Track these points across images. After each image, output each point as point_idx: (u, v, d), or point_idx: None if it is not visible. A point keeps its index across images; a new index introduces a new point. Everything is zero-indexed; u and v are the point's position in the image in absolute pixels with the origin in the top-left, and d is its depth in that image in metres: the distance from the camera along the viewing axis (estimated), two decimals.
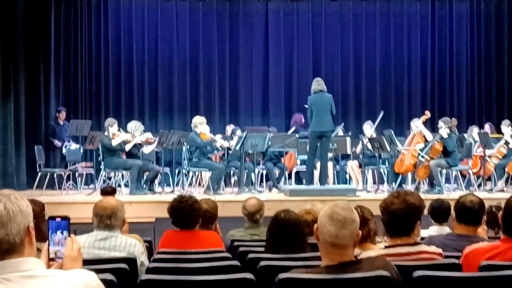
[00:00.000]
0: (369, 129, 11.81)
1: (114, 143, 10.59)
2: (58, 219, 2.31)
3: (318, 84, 10.55)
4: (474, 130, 12.11)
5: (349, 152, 11.83)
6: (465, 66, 14.48)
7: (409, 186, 11.15)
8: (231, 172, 11.78)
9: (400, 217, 3.44)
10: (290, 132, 12.30)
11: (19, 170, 12.05)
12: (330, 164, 11.78)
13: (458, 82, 14.47)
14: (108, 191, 7.47)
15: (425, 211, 5.48)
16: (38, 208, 4.51)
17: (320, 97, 10.42)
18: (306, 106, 10.64)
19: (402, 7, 14.48)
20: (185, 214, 4.83)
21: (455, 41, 14.47)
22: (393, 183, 11.12)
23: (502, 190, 10.99)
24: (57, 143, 12.35)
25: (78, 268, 2.23)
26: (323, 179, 10.58)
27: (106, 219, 4.18)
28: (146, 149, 11.20)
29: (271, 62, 14.30)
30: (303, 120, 12.50)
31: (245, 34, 14.30)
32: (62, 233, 2.29)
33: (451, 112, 13.93)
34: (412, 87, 14.50)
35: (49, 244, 2.28)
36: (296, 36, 14.39)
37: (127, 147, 10.79)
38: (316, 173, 11.01)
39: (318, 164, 10.82)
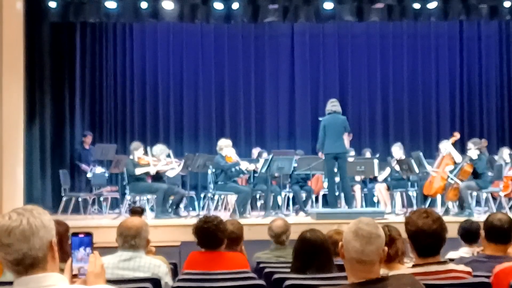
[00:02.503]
0: (398, 150, 11.68)
1: (138, 172, 10.59)
2: (81, 235, 2.31)
3: (332, 105, 10.49)
4: (505, 151, 11.89)
5: (376, 174, 11.70)
6: (494, 87, 14.34)
7: (439, 209, 10.98)
8: (257, 196, 11.70)
9: (433, 236, 3.36)
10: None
11: (45, 194, 12.07)
12: (358, 187, 11.69)
13: (488, 103, 14.33)
14: (137, 211, 7.51)
15: (455, 233, 5.40)
16: (63, 229, 4.47)
17: (333, 118, 10.36)
18: (320, 119, 10.60)
19: (430, 28, 14.34)
20: (210, 234, 4.77)
21: (484, 62, 14.37)
22: (422, 206, 10.95)
23: None
24: (85, 167, 12.37)
25: (101, 284, 2.21)
26: (349, 201, 10.46)
27: (131, 240, 4.15)
28: (171, 173, 11.15)
29: (297, 84, 14.26)
30: None
31: (271, 57, 14.28)
32: (85, 249, 2.29)
33: (480, 133, 13.76)
34: (441, 108, 14.38)
35: (72, 261, 2.27)
36: (322, 58, 14.35)
37: (151, 172, 10.79)
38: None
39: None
